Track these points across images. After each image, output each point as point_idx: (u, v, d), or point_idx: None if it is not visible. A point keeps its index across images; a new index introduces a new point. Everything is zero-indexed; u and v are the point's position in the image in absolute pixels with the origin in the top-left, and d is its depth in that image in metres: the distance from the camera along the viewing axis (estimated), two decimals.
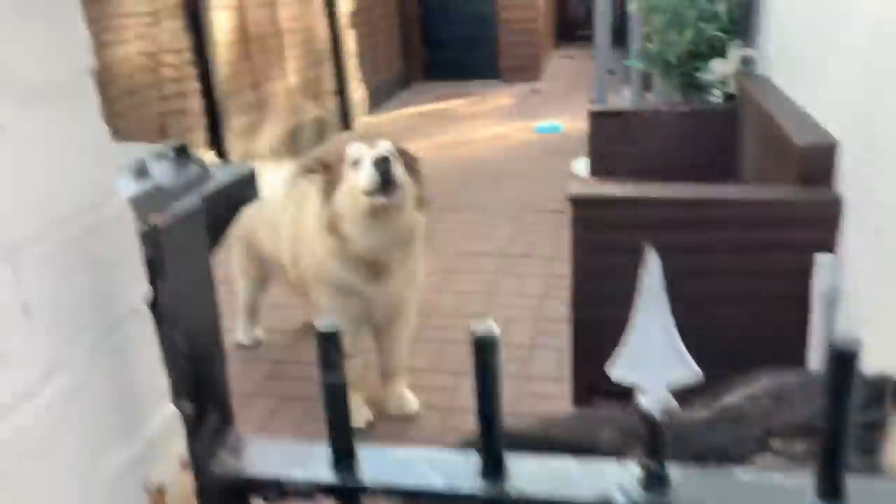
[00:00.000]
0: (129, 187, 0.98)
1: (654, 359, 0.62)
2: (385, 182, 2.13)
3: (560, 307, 3.27)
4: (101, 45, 4.06)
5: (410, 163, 2.34)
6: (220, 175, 1.26)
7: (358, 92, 7.74)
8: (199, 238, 0.63)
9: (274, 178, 2.53)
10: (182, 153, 1.27)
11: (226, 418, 0.69)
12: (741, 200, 2.16)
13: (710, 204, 2.18)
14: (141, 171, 1.08)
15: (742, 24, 3.44)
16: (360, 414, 2.53)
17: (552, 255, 3.86)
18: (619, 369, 0.62)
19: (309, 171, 2.37)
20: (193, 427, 0.63)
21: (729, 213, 2.17)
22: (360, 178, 2.16)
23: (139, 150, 1.18)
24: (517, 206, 4.66)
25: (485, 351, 0.58)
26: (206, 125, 5.00)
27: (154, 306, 0.61)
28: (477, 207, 4.70)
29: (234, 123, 5.28)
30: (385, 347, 2.65)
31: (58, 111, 0.53)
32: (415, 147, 6.37)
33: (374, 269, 2.33)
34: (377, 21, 8.43)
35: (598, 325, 2.43)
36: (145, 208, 0.75)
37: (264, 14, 5.78)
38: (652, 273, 0.61)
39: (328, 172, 2.31)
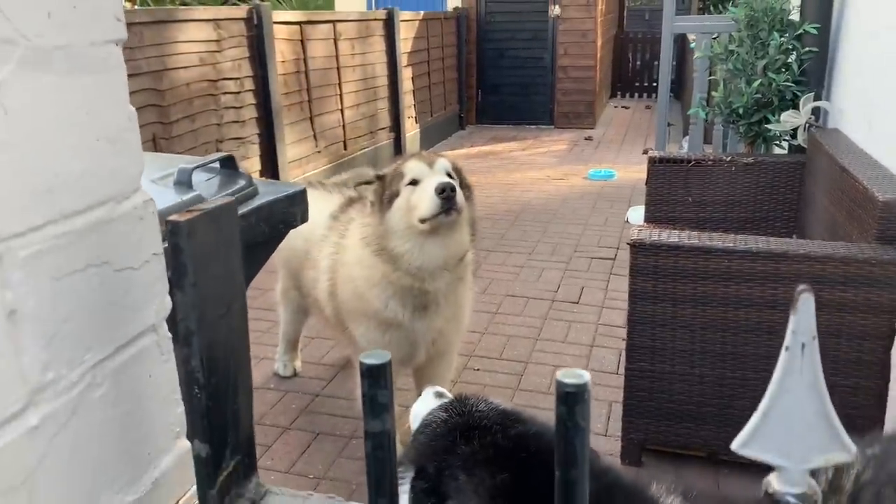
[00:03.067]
0: (168, 197, 0.89)
1: (800, 435, 0.49)
2: (447, 211, 2.03)
3: (610, 358, 3.12)
4: (164, 68, 4.12)
5: (465, 183, 2.24)
6: (268, 191, 1.19)
7: (412, 130, 7.76)
8: (231, 246, 0.54)
9: (321, 206, 2.46)
10: (229, 165, 1.20)
11: (248, 463, 0.59)
12: (819, 256, 2.00)
13: (784, 258, 2.03)
14: (183, 181, 1.00)
15: (814, 75, 3.30)
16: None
17: (602, 304, 3.71)
18: (751, 446, 0.50)
19: (365, 182, 2.25)
20: (208, 472, 0.53)
21: (804, 269, 2.02)
22: (421, 202, 2.05)
23: (184, 160, 1.10)
24: (567, 252, 4.54)
25: (572, 403, 0.46)
26: (262, 152, 5.02)
27: (174, 324, 0.52)
28: (526, 250, 4.59)
29: (289, 152, 5.30)
30: (430, 376, 2.44)
31: (73, 83, 0.45)
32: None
33: (420, 299, 2.19)
34: (434, 62, 8.49)
35: (652, 378, 2.29)
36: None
37: (325, 48, 5.84)
38: (804, 325, 0.49)
39: (384, 185, 2.18)
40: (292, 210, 1.23)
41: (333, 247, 2.37)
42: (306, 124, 5.60)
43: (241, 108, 4.82)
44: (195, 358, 0.48)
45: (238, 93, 4.79)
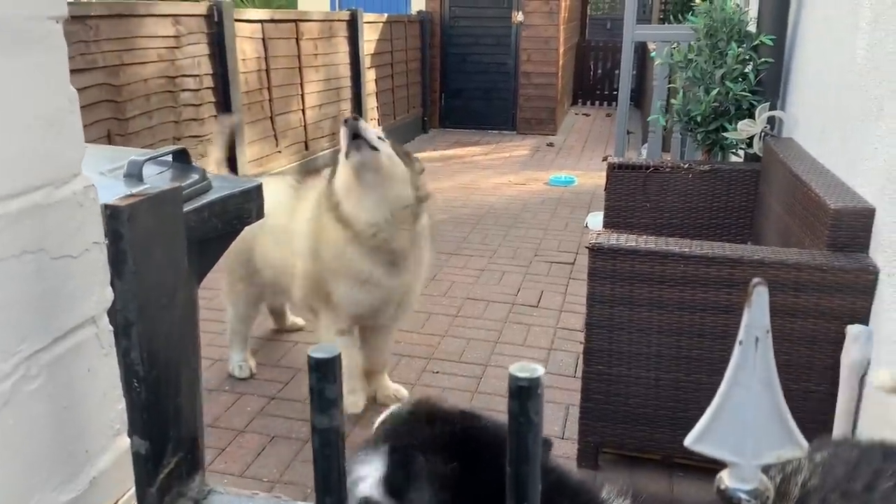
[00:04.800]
0: (117, 190, 0.86)
1: (752, 431, 0.49)
2: (355, 136, 2.31)
3: (568, 361, 3.14)
4: (121, 63, 4.03)
5: (403, 152, 2.53)
6: (223, 186, 1.16)
7: None
8: (175, 234, 0.51)
9: (278, 186, 2.75)
10: (182, 159, 1.17)
11: (191, 461, 0.56)
12: (772, 262, 2.04)
13: (738, 263, 2.07)
14: (133, 174, 0.98)
15: (770, 85, 3.37)
16: (359, 397, 2.73)
17: (561, 308, 3.74)
18: (704, 442, 0.50)
19: (324, 167, 2.61)
20: (147, 469, 0.51)
21: (758, 274, 2.05)
22: (351, 150, 2.34)
23: (135, 153, 1.07)
24: (528, 255, 4.56)
25: (525, 398, 0.46)
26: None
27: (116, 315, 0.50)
28: (487, 253, 4.59)
29: (249, 151, 5.23)
30: (374, 347, 2.80)
31: (8, 59, 0.43)
32: (429, 189, 6.30)
33: (389, 256, 2.47)
34: (398, 65, 8.47)
35: (609, 381, 2.31)
36: None
37: (287, 47, 5.79)
38: (757, 318, 0.49)
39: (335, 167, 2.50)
40: (247, 206, 1.19)
41: (309, 214, 2.62)
42: (267, 123, 5.54)
43: (200, 105, 4.74)
44: (135, 350, 0.46)
45: (197, 90, 4.71)
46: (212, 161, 3.18)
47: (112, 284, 0.50)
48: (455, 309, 3.68)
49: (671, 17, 10.93)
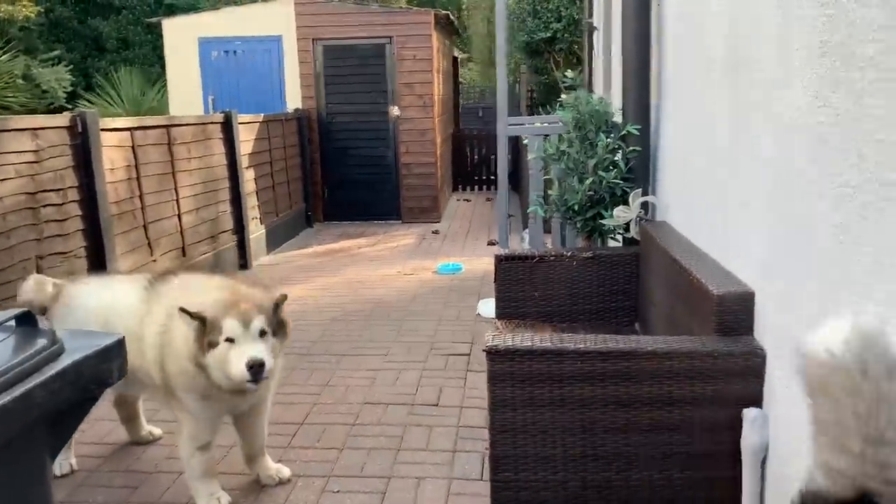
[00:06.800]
0: None
1: None
2: (255, 381, 2.39)
3: (473, 463, 3.04)
4: None
5: (280, 321, 2.53)
6: (77, 346, 1.02)
7: (257, 232, 7.55)
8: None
9: (130, 286, 2.75)
10: (27, 322, 1.03)
11: None
12: (665, 352, 2.06)
13: (633, 356, 2.07)
14: None
15: (639, 171, 3.54)
16: (222, 499, 2.70)
17: (461, 404, 3.66)
18: None
19: (185, 314, 2.42)
20: None
21: (653, 365, 2.07)
22: (233, 367, 2.37)
23: None
24: (423, 350, 4.48)
25: None
26: (90, 266, 4.63)
27: None
28: (381, 351, 4.48)
29: (121, 263, 4.94)
30: (249, 432, 2.85)
31: None
32: (313, 287, 6.16)
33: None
34: (277, 162, 8.40)
35: (517, 488, 2.23)
36: None
37: (159, 152, 5.60)
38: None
39: (204, 330, 2.41)
40: (106, 366, 1.07)
41: (160, 327, 2.55)
42: (140, 233, 5.28)
43: (64, 220, 4.46)
44: None
45: (61, 204, 4.43)
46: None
47: None
48: (352, 417, 3.52)
49: (539, 108, 11.55)
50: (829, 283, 1.61)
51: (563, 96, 3.99)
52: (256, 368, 2.35)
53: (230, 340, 2.39)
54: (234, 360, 2.38)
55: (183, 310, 2.40)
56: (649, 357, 2.07)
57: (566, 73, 4.11)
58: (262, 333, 2.44)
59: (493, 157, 12.89)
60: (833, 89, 1.57)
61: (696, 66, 2.82)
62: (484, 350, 2.14)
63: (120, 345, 1.04)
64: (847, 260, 1.52)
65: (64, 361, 0.97)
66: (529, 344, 2.12)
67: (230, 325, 2.39)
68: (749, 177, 2.15)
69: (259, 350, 2.39)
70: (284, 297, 2.56)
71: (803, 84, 1.73)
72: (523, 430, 2.16)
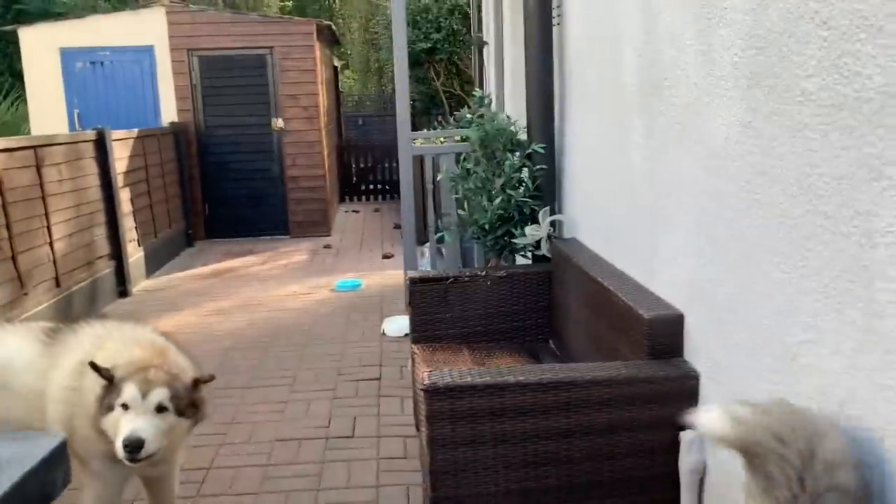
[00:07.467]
0: None
1: None
2: (131, 459, 2.13)
3: (398, 498, 2.94)
4: None
5: (189, 398, 2.27)
6: (13, 459, 0.86)
7: (135, 255, 7.09)
8: None
9: (24, 340, 2.46)
10: None
11: None
12: (604, 379, 2.05)
13: (573, 385, 2.05)
14: None
15: (547, 189, 3.57)
16: None
17: (377, 433, 3.55)
18: None
19: (95, 370, 2.19)
20: None
21: (593, 394, 2.06)
22: (118, 438, 2.14)
23: None
24: (331, 376, 4.33)
25: None
26: None
27: None
28: (287, 381, 4.29)
29: None
30: (157, 491, 2.64)
31: None
32: (204, 313, 5.83)
33: None
34: (154, 180, 7.94)
35: None
36: None
37: (26, 176, 5.13)
38: None
39: (107, 389, 2.20)
40: (52, 476, 0.91)
41: (71, 382, 2.31)
42: (7, 266, 4.80)
43: None
44: None
45: None
46: None
47: None
48: (264, 457, 3.34)
49: (419, 116, 11.54)
50: (762, 307, 1.64)
51: (467, 111, 3.95)
52: (132, 447, 2.10)
53: (125, 407, 2.16)
54: (121, 430, 2.13)
55: (92, 364, 2.17)
56: (588, 386, 2.06)
57: (474, 92, 4.09)
58: (161, 409, 2.18)
59: (378, 166, 12.81)
60: (765, 119, 1.61)
61: (603, 88, 2.86)
62: (421, 389, 2.05)
63: (62, 449, 0.89)
64: (784, 285, 1.55)
65: (2, 484, 0.82)
66: (469, 380, 2.06)
67: (128, 391, 2.16)
68: (673, 199, 2.18)
69: (142, 427, 2.12)
70: (211, 378, 2.34)
71: (729, 111, 1.77)
72: (464, 469, 2.10)
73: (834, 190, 1.39)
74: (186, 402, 2.24)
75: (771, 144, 1.60)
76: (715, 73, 1.87)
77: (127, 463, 2.14)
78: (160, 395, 2.18)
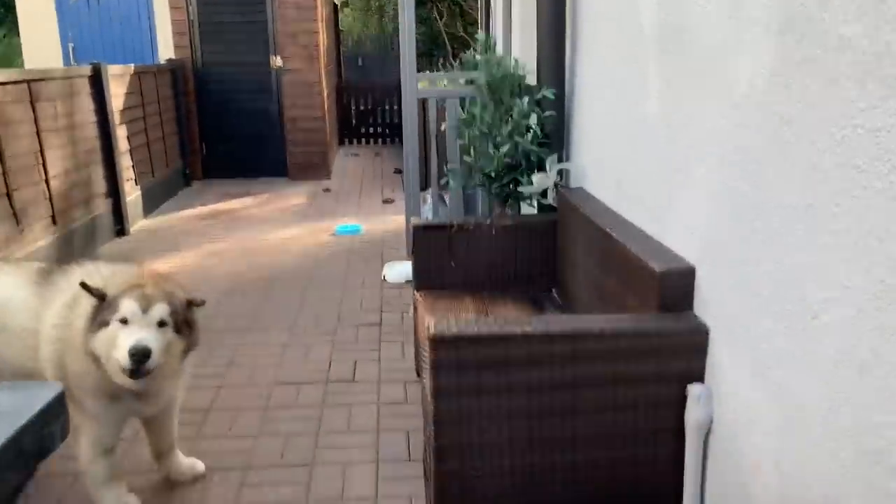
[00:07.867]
0: None
1: None
2: (136, 371, 2.10)
3: (399, 442, 2.95)
4: None
5: (188, 319, 2.28)
6: (8, 411, 0.82)
7: (133, 193, 7.00)
8: None
9: (18, 279, 2.42)
10: None
11: None
12: (612, 332, 2.02)
13: (580, 337, 2.02)
14: None
15: (555, 137, 3.48)
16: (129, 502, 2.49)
17: (378, 378, 3.54)
18: None
19: (88, 290, 2.16)
20: None
21: (601, 346, 2.02)
22: (118, 351, 2.11)
23: None
24: (331, 321, 4.31)
25: None
26: None
27: None
28: (287, 324, 4.27)
29: None
30: (157, 430, 2.63)
31: None
32: (202, 254, 5.80)
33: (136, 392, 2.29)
34: (151, 118, 7.79)
35: (462, 479, 2.15)
36: None
37: (21, 111, 5.01)
38: None
39: (100, 308, 2.17)
40: (49, 430, 0.87)
41: (60, 319, 2.27)
42: (3, 203, 4.73)
43: None
44: None
45: None
46: None
47: None
48: (264, 399, 3.33)
49: (420, 57, 11.30)
50: (782, 263, 1.59)
51: (471, 53, 3.84)
52: (139, 357, 2.07)
53: (123, 321, 2.13)
54: (120, 344, 2.10)
55: (83, 284, 2.14)
56: (597, 338, 2.03)
57: (477, 35, 3.96)
58: (162, 324, 2.17)
59: (378, 108, 12.60)
60: (796, 66, 1.53)
61: (619, 30, 2.76)
62: (428, 338, 2.02)
63: (60, 399, 0.85)
64: (809, 241, 1.50)
65: None
66: (476, 329, 2.02)
67: (126, 305, 2.13)
68: (692, 150, 2.11)
69: (148, 337, 2.11)
70: (202, 302, 2.33)
71: (757, 58, 1.68)
72: (468, 419, 2.08)
73: (869, 143, 1.32)
74: (182, 319, 2.24)
75: (802, 94, 1.53)
76: (742, 16, 1.78)
77: (129, 379, 2.13)
78: (161, 310, 2.17)
